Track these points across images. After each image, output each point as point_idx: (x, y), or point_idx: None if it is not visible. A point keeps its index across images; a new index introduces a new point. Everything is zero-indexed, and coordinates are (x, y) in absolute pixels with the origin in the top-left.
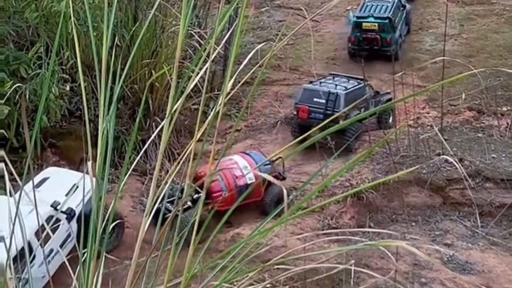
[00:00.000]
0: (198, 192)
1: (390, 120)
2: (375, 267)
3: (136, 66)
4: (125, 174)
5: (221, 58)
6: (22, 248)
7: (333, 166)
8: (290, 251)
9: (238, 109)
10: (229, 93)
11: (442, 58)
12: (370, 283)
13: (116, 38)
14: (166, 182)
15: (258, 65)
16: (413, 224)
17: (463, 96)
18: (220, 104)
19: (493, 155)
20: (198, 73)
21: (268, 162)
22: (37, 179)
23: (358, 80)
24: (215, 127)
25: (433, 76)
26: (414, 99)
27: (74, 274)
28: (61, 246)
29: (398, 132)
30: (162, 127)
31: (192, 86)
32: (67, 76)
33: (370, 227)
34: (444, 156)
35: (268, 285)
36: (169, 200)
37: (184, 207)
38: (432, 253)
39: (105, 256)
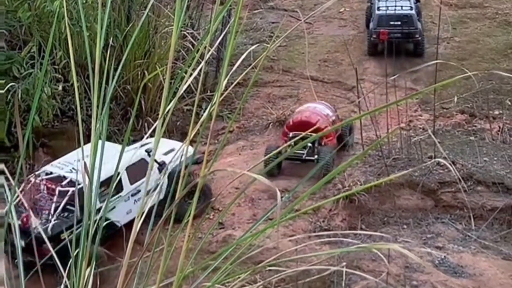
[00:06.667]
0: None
1: None
2: (366, 269)
3: (129, 66)
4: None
5: (214, 59)
6: (111, 177)
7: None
8: (282, 253)
9: (231, 111)
10: (222, 94)
11: (435, 62)
12: (361, 285)
13: (109, 38)
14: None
15: (251, 66)
16: (405, 226)
17: (455, 99)
18: (214, 105)
19: (485, 159)
20: (191, 74)
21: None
22: (141, 142)
23: None
24: (208, 128)
25: (425, 79)
26: (407, 101)
27: (65, 272)
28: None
29: (390, 135)
30: (155, 128)
31: (185, 87)
32: (59, 76)
33: (361, 229)
34: (437, 159)
35: (260, 287)
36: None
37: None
38: (423, 256)
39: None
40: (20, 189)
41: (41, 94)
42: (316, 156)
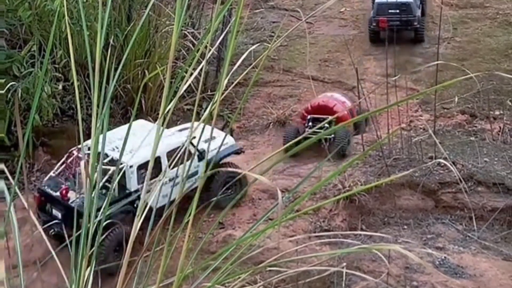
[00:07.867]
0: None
1: None
2: (366, 270)
3: (129, 65)
4: (118, 173)
5: (214, 58)
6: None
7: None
8: (282, 253)
9: (231, 110)
10: (222, 93)
11: (436, 62)
12: (361, 285)
13: (110, 37)
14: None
15: (251, 66)
16: (405, 227)
17: (456, 99)
18: (215, 104)
19: (485, 159)
20: (191, 74)
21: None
22: (181, 126)
23: None
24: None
25: (426, 79)
26: (407, 102)
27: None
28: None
29: (391, 135)
30: None
31: (185, 86)
32: (59, 75)
33: (362, 229)
34: (438, 160)
35: (260, 287)
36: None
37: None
38: (424, 256)
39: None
40: (62, 160)
41: (41, 93)
42: (332, 135)
